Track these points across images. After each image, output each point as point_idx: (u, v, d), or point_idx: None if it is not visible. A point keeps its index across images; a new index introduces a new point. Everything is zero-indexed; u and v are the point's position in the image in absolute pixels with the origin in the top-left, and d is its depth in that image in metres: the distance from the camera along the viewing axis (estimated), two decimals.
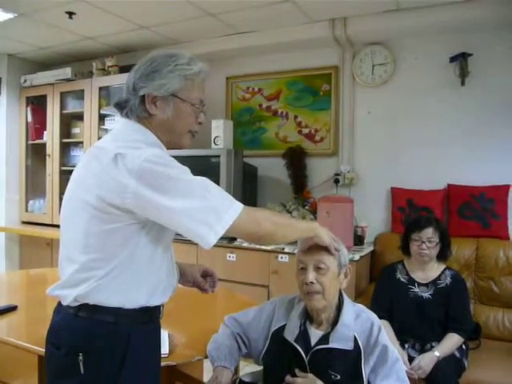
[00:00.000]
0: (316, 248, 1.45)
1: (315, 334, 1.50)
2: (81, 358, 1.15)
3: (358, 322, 1.49)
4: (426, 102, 3.25)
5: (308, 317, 1.55)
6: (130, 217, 1.14)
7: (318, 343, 1.47)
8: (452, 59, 3.10)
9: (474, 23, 3.00)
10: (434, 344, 2.24)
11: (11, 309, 2.01)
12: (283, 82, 3.77)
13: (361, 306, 1.57)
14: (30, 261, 4.26)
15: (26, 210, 4.49)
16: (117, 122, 1.24)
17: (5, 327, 1.87)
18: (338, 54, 3.53)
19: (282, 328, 1.55)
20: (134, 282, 1.20)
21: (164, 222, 1.15)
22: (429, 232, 2.37)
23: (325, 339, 1.47)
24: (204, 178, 1.17)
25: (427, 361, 2.13)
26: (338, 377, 1.43)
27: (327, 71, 3.59)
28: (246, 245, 3.25)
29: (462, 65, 3.07)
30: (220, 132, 3.47)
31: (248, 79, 3.93)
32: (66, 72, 4.07)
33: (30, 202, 4.48)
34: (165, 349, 1.65)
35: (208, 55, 3.84)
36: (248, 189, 3.59)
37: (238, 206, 1.17)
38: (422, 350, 2.25)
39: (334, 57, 3.55)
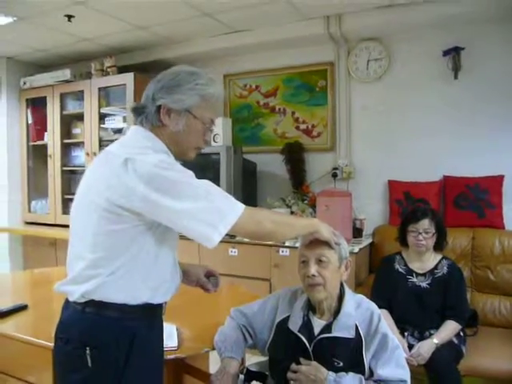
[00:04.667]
0: (317, 242, 1.52)
1: (318, 324, 1.57)
2: (88, 351, 1.21)
3: (359, 312, 1.55)
4: (420, 96, 3.31)
5: (311, 307, 1.61)
6: (137, 218, 1.21)
7: (320, 332, 1.54)
8: (445, 53, 3.16)
9: (466, 18, 3.05)
10: (432, 332, 2.31)
11: (22, 308, 2.07)
12: (280, 78, 3.83)
13: (361, 296, 1.64)
14: (34, 261, 4.31)
15: (29, 211, 4.54)
16: (128, 129, 1.32)
17: (18, 325, 1.93)
18: (334, 51, 3.58)
19: (286, 319, 1.62)
20: (139, 280, 1.27)
21: (170, 224, 1.22)
22: (425, 223, 2.43)
23: (327, 328, 1.54)
24: (207, 181, 1.24)
25: (426, 348, 2.20)
26: (341, 364, 1.49)
27: (323, 67, 3.65)
28: (247, 240, 3.31)
29: (454, 59, 3.14)
30: (219, 130, 3.53)
31: (245, 77, 3.98)
32: (65, 73, 4.12)
33: (33, 202, 4.54)
34: (173, 342, 1.72)
35: (205, 54, 3.91)
36: (248, 185, 3.65)
37: (240, 207, 1.24)
38: (421, 338, 2.31)
39: (330, 53, 3.61)
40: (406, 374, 1.50)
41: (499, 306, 2.83)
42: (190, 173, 1.24)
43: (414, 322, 2.37)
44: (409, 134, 3.35)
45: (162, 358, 1.42)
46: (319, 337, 1.53)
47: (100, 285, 1.22)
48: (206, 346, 1.74)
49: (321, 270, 1.52)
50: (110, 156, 1.26)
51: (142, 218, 1.21)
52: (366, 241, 3.25)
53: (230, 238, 3.38)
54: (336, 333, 1.51)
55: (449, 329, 2.30)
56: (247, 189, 3.64)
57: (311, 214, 3.30)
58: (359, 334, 1.51)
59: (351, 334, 1.51)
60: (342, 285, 1.61)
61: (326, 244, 1.51)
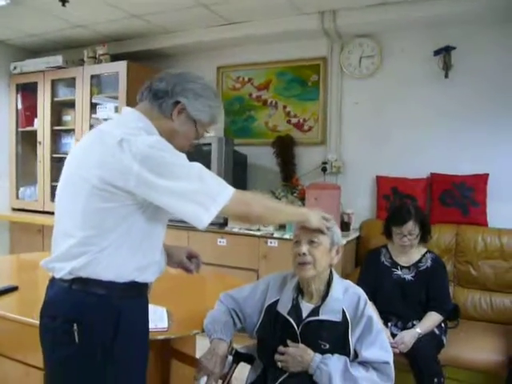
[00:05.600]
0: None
1: (306, 308, 1.61)
2: (75, 327, 1.23)
3: (346, 296, 1.61)
4: (410, 94, 3.37)
5: (300, 291, 1.66)
6: (130, 197, 1.24)
7: (308, 315, 1.59)
8: (436, 53, 3.22)
9: (457, 18, 3.12)
10: (415, 323, 2.37)
11: (13, 289, 2.08)
12: (273, 72, 3.86)
13: (349, 282, 1.69)
14: (21, 247, 4.27)
15: (17, 197, 4.51)
16: (123, 110, 1.36)
17: (9, 305, 1.94)
18: (327, 46, 3.63)
19: (276, 302, 1.66)
20: (128, 259, 1.29)
21: (162, 204, 1.25)
22: (409, 226, 2.45)
23: (315, 312, 1.58)
24: (199, 164, 1.28)
25: (409, 337, 2.27)
26: (327, 346, 1.54)
27: (316, 62, 3.69)
28: (236, 230, 3.35)
29: (445, 58, 3.19)
30: None
31: (238, 69, 4.01)
32: (57, 59, 4.09)
33: (21, 189, 4.51)
34: (164, 323, 1.75)
35: (199, 45, 3.92)
36: (238, 176, 3.68)
37: (231, 190, 1.29)
38: (404, 328, 2.37)
39: (323, 48, 3.65)
40: (389, 356, 1.55)
41: (480, 300, 2.91)
42: (183, 155, 1.27)
43: (397, 313, 2.43)
44: (398, 130, 3.41)
45: (147, 338, 1.43)
46: (307, 320, 1.58)
47: (88, 262, 1.24)
48: (195, 329, 1.77)
49: (311, 249, 1.57)
50: (104, 135, 1.28)
51: (134, 197, 1.24)
52: (353, 234, 3.30)
53: (218, 228, 3.42)
54: (323, 316, 1.56)
55: (431, 320, 2.36)
56: (237, 180, 3.65)
57: (300, 206, 3.34)
58: (346, 317, 1.56)
59: (338, 318, 1.56)
60: (330, 271, 1.66)
61: (319, 230, 1.56)
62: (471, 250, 2.97)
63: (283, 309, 1.62)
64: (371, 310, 1.59)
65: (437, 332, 2.39)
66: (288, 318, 1.59)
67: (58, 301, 1.29)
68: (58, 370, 1.30)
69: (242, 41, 3.81)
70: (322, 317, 1.56)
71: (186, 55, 4.16)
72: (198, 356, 2.39)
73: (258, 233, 3.26)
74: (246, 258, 3.29)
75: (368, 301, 1.61)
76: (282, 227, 3.36)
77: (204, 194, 1.24)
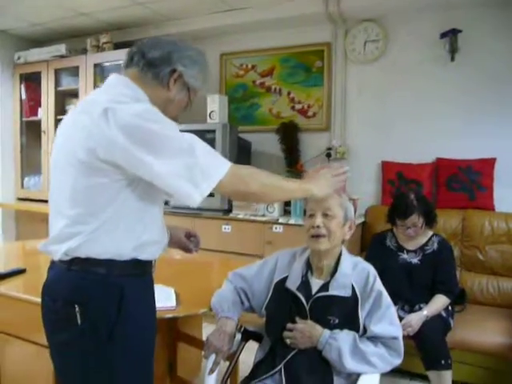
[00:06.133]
0: (325, 196, 1.57)
1: (316, 284, 1.61)
2: (77, 309, 1.18)
3: (356, 272, 1.60)
4: (416, 78, 3.35)
5: (310, 268, 1.65)
6: (118, 172, 1.16)
7: (318, 291, 1.58)
8: (442, 35, 3.19)
9: (463, 1, 3.08)
10: (422, 306, 2.37)
11: (21, 271, 2.11)
12: (277, 58, 3.84)
13: (358, 258, 1.69)
14: (26, 236, 4.28)
15: (22, 187, 4.52)
16: (110, 76, 1.29)
17: (18, 286, 1.95)
18: (331, 31, 3.60)
19: (285, 279, 1.66)
20: (124, 238, 1.22)
21: (151, 179, 1.17)
22: (412, 218, 2.43)
23: (325, 287, 1.58)
24: (192, 135, 1.20)
25: (416, 319, 2.26)
26: (336, 321, 1.54)
27: (320, 48, 3.66)
28: (241, 216, 3.35)
29: (451, 41, 3.17)
30: (215, 107, 3.54)
31: (242, 56, 3.99)
32: (60, 48, 4.08)
33: (26, 178, 4.52)
34: (172, 302, 1.76)
35: (202, 32, 3.90)
36: (242, 163, 3.60)
37: (225, 165, 1.21)
38: (411, 312, 2.37)
39: (327, 33, 3.62)
40: (398, 331, 1.55)
41: (486, 284, 2.89)
42: (174, 125, 1.19)
43: (404, 297, 2.42)
44: (403, 115, 3.39)
45: (154, 318, 1.37)
46: (316, 295, 1.57)
47: (83, 242, 1.18)
48: (202, 308, 1.77)
49: (326, 222, 1.57)
50: (90, 104, 1.20)
51: (123, 171, 1.16)
52: (358, 220, 3.29)
53: (223, 215, 3.41)
54: (333, 291, 1.56)
55: (438, 302, 2.35)
56: None
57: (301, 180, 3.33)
58: (355, 292, 1.56)
59: (347, 293, 1.55)
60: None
61: (334, 196, 1.56)
62: (478, 235, 2.96)
63: (292, 285, 1.62)
64: (381, 285, 1.58)
65: (444, 315, 2.38)
66: (297, 293, 1.59)
67: (58, 282, 1.25)
68: (62, 351, 1.27)
69: (245, 27, 3.78)
70: (331, 292, 1.56)
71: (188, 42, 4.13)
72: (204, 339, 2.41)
73: (263, 218, 3.26)
74: (251, 244, 3.29)
75: (377, 276, 1.60)
76: (287, 212, 3.36)
77: (195, 169, 1.15)
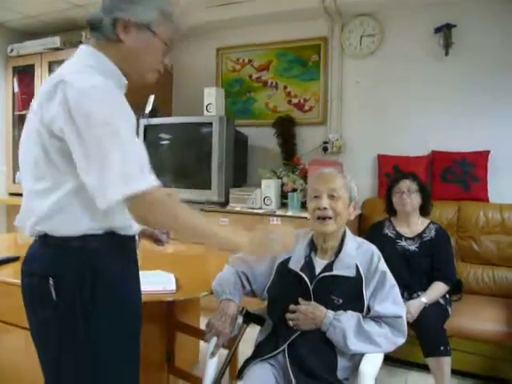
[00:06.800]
0: (330, 176, 1.57)
1: (320, 264, 1.61)
2: (51, 282, 1.14)
3: (360, 252, 1.61)
4: (411, 72, 3.37)
5: (313, 248, 1.65)
6: (67, 145, 1.08)
7: (322, 271, 1.58)
8: (436, 30, 3.23)
9: None
10: (420, 293, 2.38)
11: (14, 259, 2.08)
12: (273, 53, 3.85)
13: (361, 239, 1.70)
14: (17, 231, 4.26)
15: (14, 182, 4.46)
16: (78, 48, 1.21)
17: (12, 273, 1.92)
18: (328, 26, 3.61)
19: (287, 260, 1.65)
20: (89, 211, 1.14)
21: (76, 160, 1.07)
22: (406, 182, 2.55)
23: (329, 267, 1.58)
24: (133, 139, 1.09)
25: (415, 306, 2.27)
26: (341, 301, 1.54)
27: (316, 42, 3.68)
28: (238, 209, 3.34)
29: (446, 36, 3.20)
30: (212, 99, 3.53)
31: (238, 50, 3.99)
32: (55, 41, 4.04)
33: (17, 173, 4.45)
34: (172, 286, 1.75)
35: (198, 26, 3.89)
36: (239, 156, 3.67)
37: (152, 182, 1.09)
38: (410, 299, 2.37)
39: (324, 28, 3.64)
40: (402, 310, 1.55)
41: (482, 274, 2.91)
42: (125, 115, 1.09)
43: (403, 284, 2.39)
44: (399, 109, 3.41)
45: (137, 301, 1.29)
46: (320, 275, 1.57)
47: (51, 216, 1.13)
48: (203, 291, 1.76)
49: (332, 203, 1.57)
50: (50, 78, 1.13)
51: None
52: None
53: (220, 208, 3.40)
54: (337, 271, 1.56)
55: (436, 289, 2.37)
56: (238, 160, 3.66)
57: (302, 185, 3.33)
58: (359, 273, 1.56)
59: (352, 273, 1.56)
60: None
61: (339, 177, 1.56)
62: (473, 226, 2.98)
63: (296, 265, 1.61)
64: (384, 265, 1.59)
65: (442, 302, 2.40)
66: (301, 274, 1.58)
67: (34, 258, 1.20)
68: (40, 333, 1.22)
69: (242, 21, 3.78)
70: (335, 272, 1.56)
71: (185, 37, 4.13)
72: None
73: (261, 211, 3.26)
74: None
75: (381, 256, 1.61)
76: (284, 205, 3.36)
77: (117, 170, 1.03)
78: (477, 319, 2.49)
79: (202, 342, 2.62)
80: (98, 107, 1.03)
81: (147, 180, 1.07)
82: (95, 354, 1.16)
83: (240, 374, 1.61)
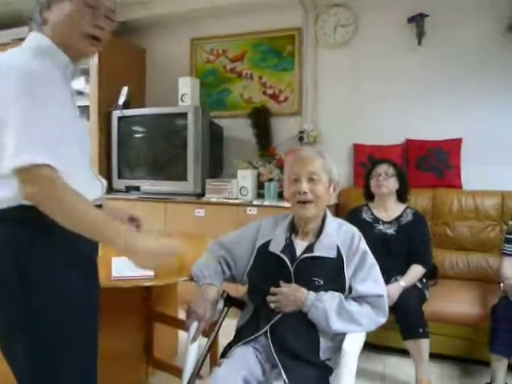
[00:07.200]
0: (308, 159, 1.55)
1: (300, 245, 1.60)
2: None
3: (341, 233, 1.60)
4: (385, 62, 3.40)
5: (294, 230, 1.64)
6: None
7: (303, 253, 1.57)
8: (410, 20, 3.26)
9: None
10: (398, 278, 2.39)
11: None
12: (248, 43, 3.82)
13: (341, 220, 1.69)
14: None
15: None
16: None
17: None
18: (302, 16, 3.61)
19: (268, 243, 1.64)
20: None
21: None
22: (383, 166, 2.58)
23: (310, 249, 1.57)
24: (42, 113, 1.06)
25: (394, 290, 2.28)
26: (322, 282, 1.53)
27: (291, 33, 3.67)
28: (214, 200, 3.31)
29: (419, 25, 3.24)
30: (187, 89, 3.48)
31: (212, 41, 3.95)
32: (23, 31, 3.92)
33: None
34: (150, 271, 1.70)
35: (172, 16, 3.86)
36: (215, 147, 3.64)
37: (45, 160, 1.03)
38: (388, 283, 2.39)
39: (298, 18, 3.63)
40: (382, 289, 1.56)
41: (457, 260, 2.96)
42: (56, 98, 1.10)
43: (381, 268, 2.42)
44: (374, 98, 3.44)
45: (82, 281, 1.20)
46: (301, 257, 1.56)
47: None
48: (182, 276, 1.73)
49: (312, 186, 1.55)
50: None
51: None
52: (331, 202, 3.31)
53: (196, 199, 3.36)
54: (318, 252, 1.55)
55: (414, 272, 2.40)
56: (214, 151, 3.62)
57: (278, 175, 3.33)
58: (340, 253, 1.56)
59: (333, 254, 1.55)
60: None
61: (318, 160, 1.55)
62: (447, 212, 3.03)
63: (276, 248, 1.60)
64: (365, 245, 1.59)
65: (419, 286, 2.42)
66: (282, 255, 1.57)
67: None
68: None
69: (216, 11, 3.75)
70: (316, 253, 1.55)
71: (158, 28, 4.08)
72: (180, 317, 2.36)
73: (237, 201, 3.23)
74: (226, 228, 3.20)
75: (362, 237, 1.61)
76: (260, 195, 3.35)
77: (13, 140, 1.01)
78: (453, 302, 2.53)
79: (180, 333, 2.59)
80: (13, 81, 1.04)
81: (42, 154, 1.03)
82: (34, 338, 1.12)
83: (222, 357, 1.58)
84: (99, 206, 1.26)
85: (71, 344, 1.17)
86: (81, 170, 1.23)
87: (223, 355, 1.59)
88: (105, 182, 1.35)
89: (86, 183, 1.23)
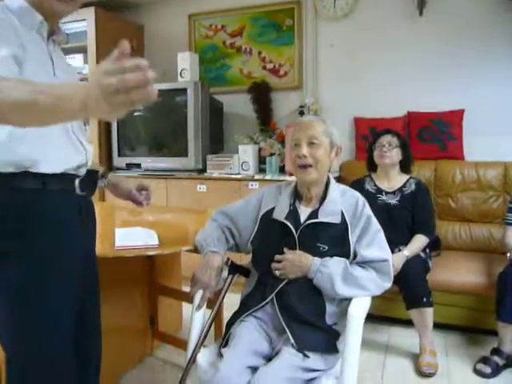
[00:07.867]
0: (309, 124, 1.54)
1: (304, 212, 1.59)
2: None
3: (345, 199, 1.59)
4: (386, 33, 3.35)
5: (297, 196, 1.63)
6: None
7: (307, 219, 1.56)
8: None
9: None
10: (401, 248, 2.39)
11: None
12: (246, 18, 3.76)
13: (345, 186, 1.68)
14: None
15: None
16: None
17: None
18: None
19: (271, 210, 1.63)
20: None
21: None
22: (387, 137, 2.55)
23: (314, 215, 1.56)
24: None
25: (398, 259, 2.28)
26: (326, 248, 1.52)
27: (290, 6, 3.61)
28: (215, 175, 3.30)
29: None
30: (186, 65, 3.44)
31: (211, 16, 3.89)
32: None
33: None
34: (154, 240, 1.71)
35: None
36: (215, 123, 3.61)
37: None
38: (391, 253, 2.38)
39: None
40: (387, 254, 1.56)
41: (459, 230, 2.97)
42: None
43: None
44: (374, 71, 3.40)
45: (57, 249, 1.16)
46: (306, 223, 1.55)
47: None
48: (186, 246, 1.73)
49: (312, 151, 1.54)
50: None
51: None
52: (332, 175, 3.29)
53: (198, 175, 3.35)
54: (322, 218, 1.54)
55: (418, 241, 2.40)
56: (214, 126, 3.60)
57: (279, 149, 3.31)
58: (345, 219, 1.55)
59: (337, 220, 1.54)
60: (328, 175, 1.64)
61: (319, 126, 1.53)
62: (450, 184, 3.02)
63: (280, 215, 1.59)
64: (369, 211, 1.58)
65: (422, 256, 2.43)
66: (286, 222, 1.56)
67: None
68: None
69: None
70: (320, 219, 1.54)
71: (156, 3, 4.01)
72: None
73: (239, 176, 3.22)
74: (228, 203, 3.22)
75: (366, 202, 1.60)
76: (262, 170, 3.33)
77: None
78: (456, 272, 2.54)
79: (185, 307, 2.60)
80: None
81: None
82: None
83: (228, 329, 1.57)
84: (90, 174, 1.26)
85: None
86: (57, 131, 1.14)
87: (228, 326, 1.57)
88: (90, 149, 1.29)
89: (63, 146, 1.17)
